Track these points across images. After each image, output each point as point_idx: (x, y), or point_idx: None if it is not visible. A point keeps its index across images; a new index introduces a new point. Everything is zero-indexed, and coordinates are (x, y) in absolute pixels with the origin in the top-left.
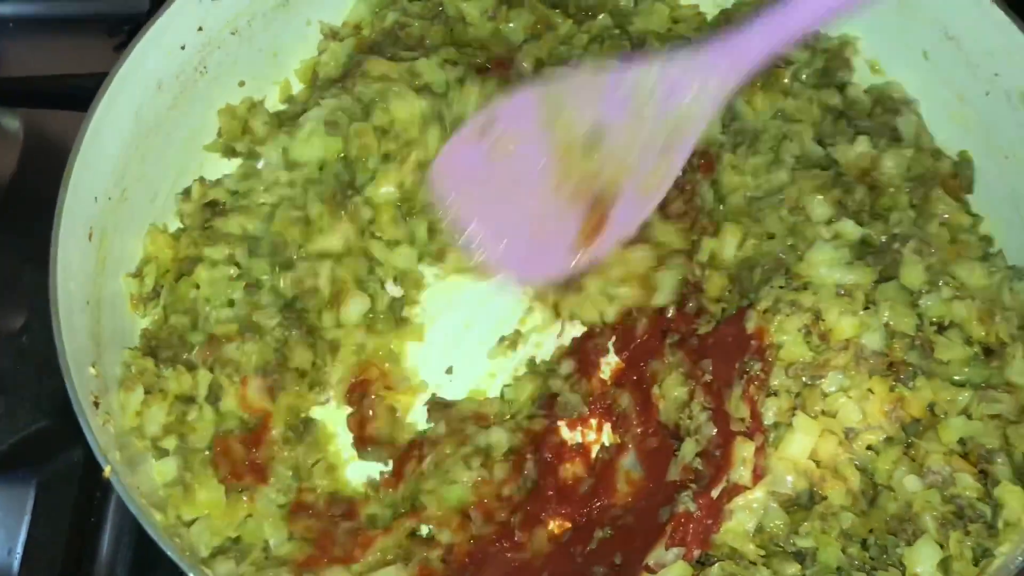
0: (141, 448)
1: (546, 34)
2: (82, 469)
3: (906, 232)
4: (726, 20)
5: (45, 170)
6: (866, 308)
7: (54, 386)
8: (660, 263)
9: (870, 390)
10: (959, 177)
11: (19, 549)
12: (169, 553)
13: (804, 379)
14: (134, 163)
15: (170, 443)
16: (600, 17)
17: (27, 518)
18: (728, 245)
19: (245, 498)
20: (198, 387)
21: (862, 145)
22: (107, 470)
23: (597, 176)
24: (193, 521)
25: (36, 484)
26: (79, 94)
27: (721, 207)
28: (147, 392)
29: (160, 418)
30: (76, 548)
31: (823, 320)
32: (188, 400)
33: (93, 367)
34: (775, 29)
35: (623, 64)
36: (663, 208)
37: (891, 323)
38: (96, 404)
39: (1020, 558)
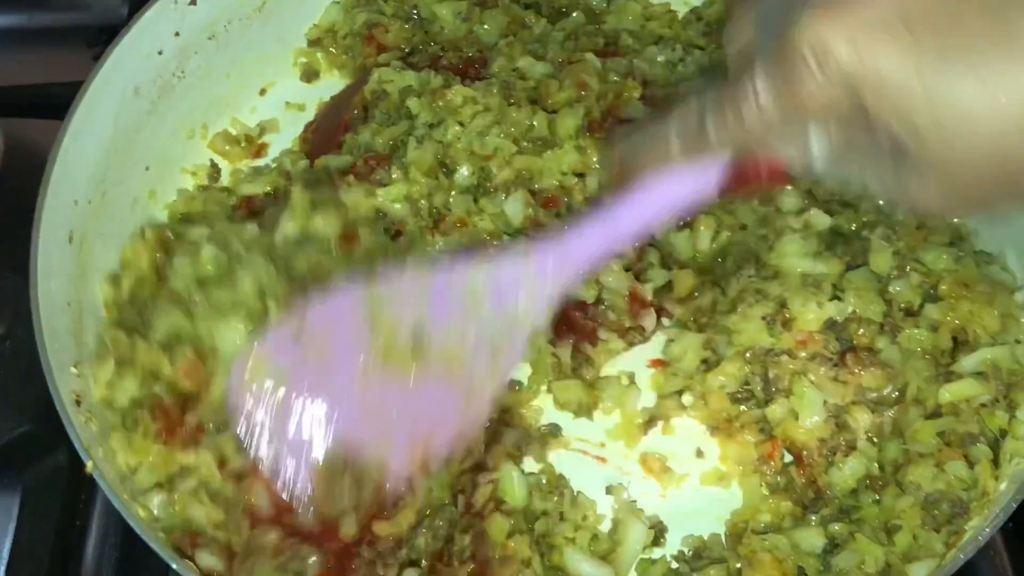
0: (111, 422)
1: (521, 32)
2: (67, 472)
3: (874, 219)
4: (697, 19)
5: (26, 179)
6: (833, 299)
7: (38, 391)
8: None
9: (836, 379)
10: None
11: (4, 554)
12: (152, 545)
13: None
14: (113, 167)
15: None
16: (574, 15)
17: (12, 524)
18: (703, 237)
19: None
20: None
21: None
22: (89, 465)
23: (424, 373)
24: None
25: (21, 489)
26: (59, 103)
27: None
28: (119, 364)
29: (132, 390)
30: (62, 551)
31: (787, 309)
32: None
33: (75, 367)
34: (606, 231)
35: (451, 266)
36: None
37: (858, 311)
38: (78, 403)
39: (988, 530)
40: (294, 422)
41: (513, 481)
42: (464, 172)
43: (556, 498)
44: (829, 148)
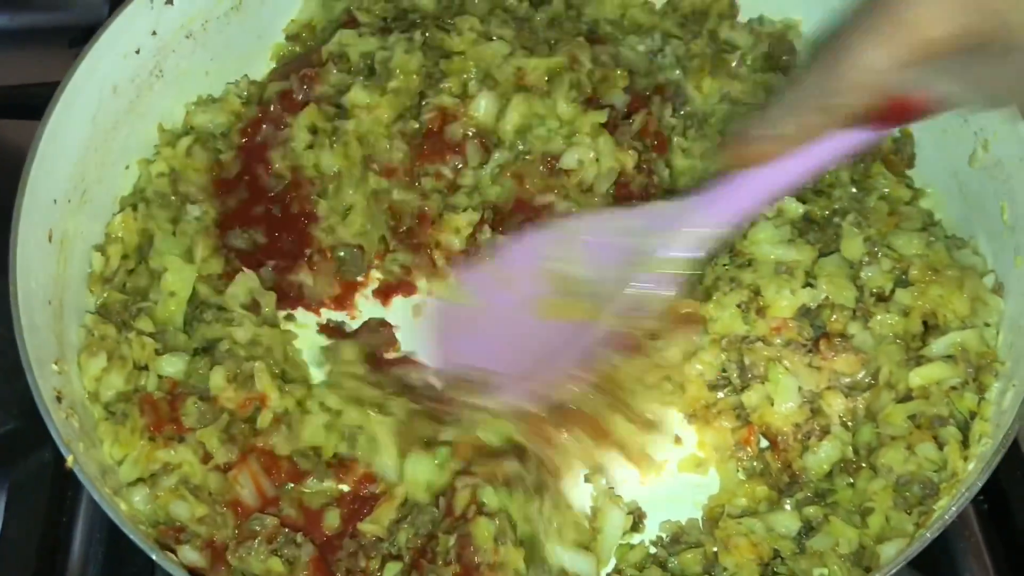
0: (95, 415)
1: (502, 14)
2: (52, 469)
3: (846, 206)
4: (673, 10)
5: (5, 179)
6: (806, 286)
7: (22, 388)
8: None
9: (811, 365)
10: (900, 152)
11: None
12: (133, 538)
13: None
14: (93, 166)
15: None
16: (555, 2)
17: None
18: None
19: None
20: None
21: None
22: (69, 460)
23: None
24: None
25: (7, 486)
26: (40, 104)
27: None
28: (108, 358)
29: (119, 384)
30: (49, 547)
31: (761, 296)
32: (143, 368)
33: (56, 364)
34: (743, 198)
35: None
36: (626, 185)
37: (831, 297)
38: (59, 399)
39: (954, 509)
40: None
41: (492, 490)
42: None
43: (537, 498)
44: (948, 74)
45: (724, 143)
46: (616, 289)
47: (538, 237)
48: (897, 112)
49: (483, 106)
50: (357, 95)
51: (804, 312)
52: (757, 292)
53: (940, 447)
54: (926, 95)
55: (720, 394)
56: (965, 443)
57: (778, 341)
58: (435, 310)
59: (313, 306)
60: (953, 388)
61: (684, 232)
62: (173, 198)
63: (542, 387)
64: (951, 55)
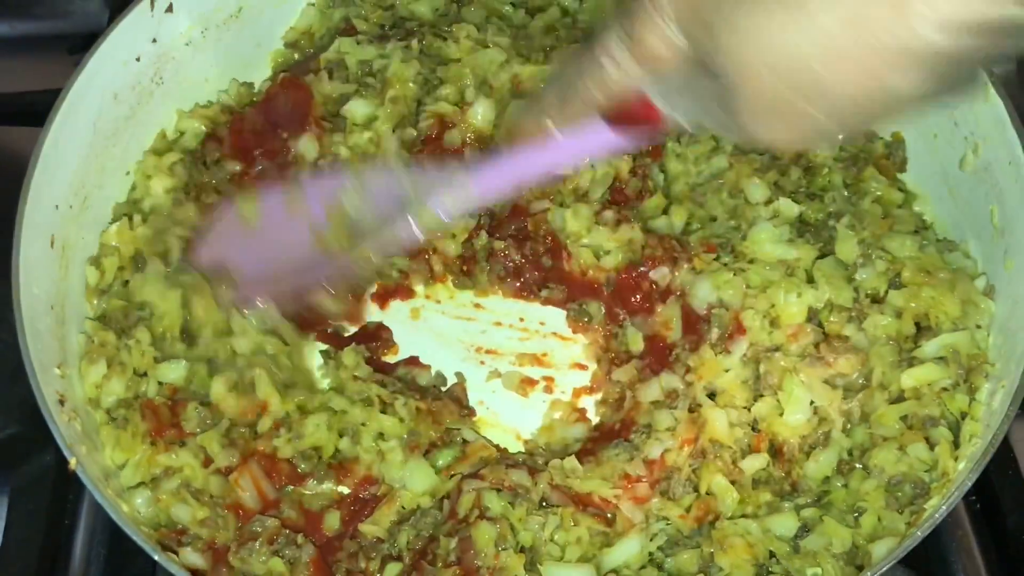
0: (97, 420)
1: (498, 21)
2: (55, 472)
3: (840, 209)
4: None
5: (6, 185)
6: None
7: (24, 393)
8: None
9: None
10: (892, 157)
11: None
12: (136, 540)
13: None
14: (93, 172)
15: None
16: (550, 9)
17: (1, 524)
18: (676, 228)
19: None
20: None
21: None
22: (72, 462)
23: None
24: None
25: (9, 490)
26: (41, 111)
27: (669, 189)
28: (108, 365)
29: (119, 391)
30: (51, 550)
31: (773, 306)
32: (143, 375)
33: (58, 368)
34: (517, 167)
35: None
36: (622, 191)
37: (831, 297)
38: (61, 403)
39: (944, 508)
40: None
41: (496, 495)
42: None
43: (541, 512)
44: (677, 92)
45: (501, 124)
46: (376, 227)
47: (336, 178)
48: (638, 118)
49: (480, 113)
50: (356, 108)
51: (811, 316)
52: (772, 305)
53: (931, 447)
54: (660, 107)
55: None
56: (956, 443)
57: (794, 349)
58: (226, 212)
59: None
60: (944, 389)
61: (447, 195)
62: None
63: (283, 291)
64: (679, 72)
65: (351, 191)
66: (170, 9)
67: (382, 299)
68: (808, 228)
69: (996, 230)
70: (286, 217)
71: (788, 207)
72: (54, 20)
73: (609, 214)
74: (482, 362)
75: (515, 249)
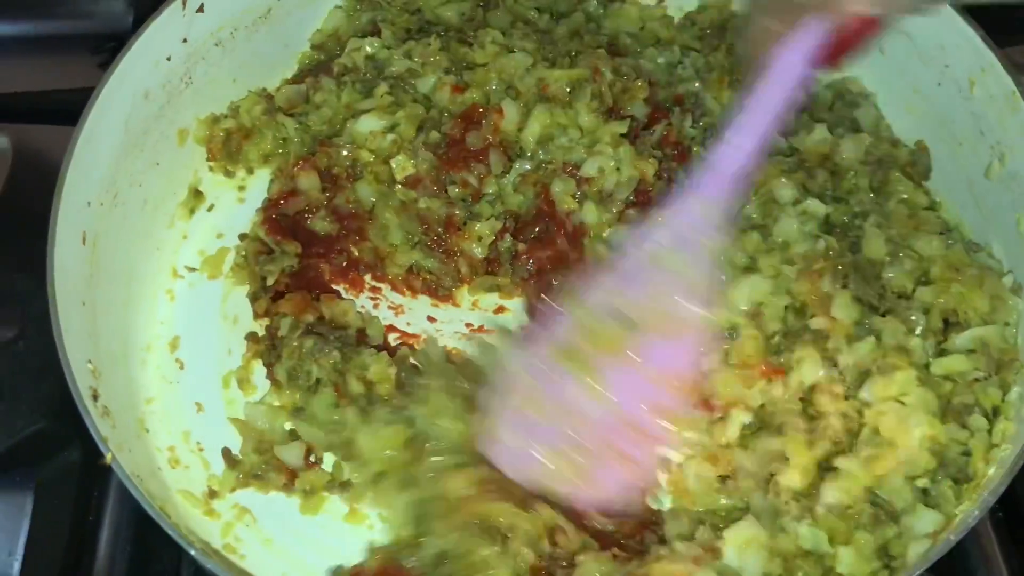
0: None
1: (523, 26)
2: (80, 469)
3: (866, 209)
4: (691, 23)
5: (34, 183)
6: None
7: (50, 389)
8: None
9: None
10: (916, 165)
11: (19, 551)
12: (169, 532)
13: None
14: (124, 169)
15: None
16: (574, 15)
17: (27, 521)
18: None
19: None
20: None
21: (820, 132)
22: (108, 456)
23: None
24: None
25: (35, 486)
26: (65, 109)
27: None
28: None
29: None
30: (75, 547)
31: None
32: None
33: (90, 363)
34: (749, 127)
35: (625, 250)
36: (646, 192)
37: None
38: (95, 397)
39: (976, 512)
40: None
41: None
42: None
43: None
44: None
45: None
46: (649, 305)
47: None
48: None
49: (506, 116)
50: (363, 127)
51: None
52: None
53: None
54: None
55: None
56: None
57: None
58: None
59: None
60: (976, 380)
61: (688, 220)
62: None
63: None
64: None
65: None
66: (201, 9)
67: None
68: (835, 229)
69: (1022, 237)
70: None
71: (816, 207)
72: (78, 21)
73: (632, 212)
74: None
75: (538, 250)
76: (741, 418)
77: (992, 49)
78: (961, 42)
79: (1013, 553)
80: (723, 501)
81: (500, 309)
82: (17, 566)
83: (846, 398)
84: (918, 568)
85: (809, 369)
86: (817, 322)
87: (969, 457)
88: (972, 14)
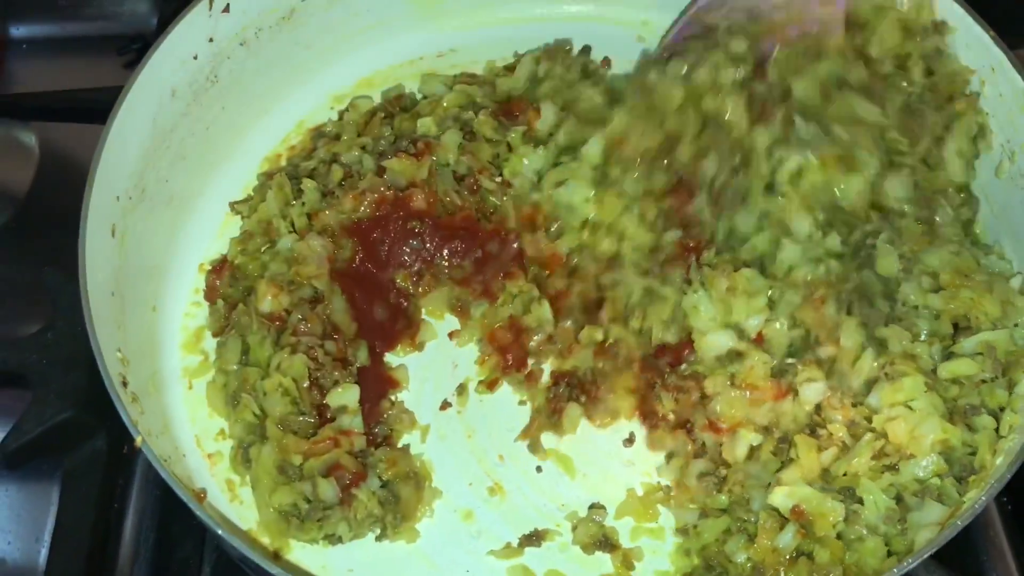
0: None
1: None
2: (106, 457)
3: (877, 227)
4: None
5: (60, 179)
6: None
7: (77, 379)
8: None
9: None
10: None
11: (47, 538)
12: (198, 514)
13: None
14: (152, 165)
15: None
16: None
17: (54, 508)
18: None
19: None
20: None
21: None
22: (138, 440)
23: None
24: None
25: (62, 474)
26: (91, 107)
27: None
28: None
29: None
30: (101, 533)
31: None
32: None
33: (119, 351)
34: None
35: None
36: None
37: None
38: (124, 384)
39: (983, 498)
40: None
41: None
42: None
43: None
44: None
45: None
46: None
47: None
48: None
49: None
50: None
51: None
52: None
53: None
54: None
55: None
56: (996, 430)
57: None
58: None
59: None
60: (983, 381)
61: None
62: None
63: None
64: None
65: None
66: (227, 9)
67: None
68: (845, 248)
69: None
70: None
71: (833, 243)
72: (104, 21)
73: None
74: None
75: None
76: (749, 438)
77: (1002, 48)
78: (971, 41)
79: (1022, 544)
80: None
81: None
82: (44, 552)
83: (854, 405)
84: (927, 551)
85: (815, 391)
86: (825, 351)
87: (974, 456)
88: (981, 12)
